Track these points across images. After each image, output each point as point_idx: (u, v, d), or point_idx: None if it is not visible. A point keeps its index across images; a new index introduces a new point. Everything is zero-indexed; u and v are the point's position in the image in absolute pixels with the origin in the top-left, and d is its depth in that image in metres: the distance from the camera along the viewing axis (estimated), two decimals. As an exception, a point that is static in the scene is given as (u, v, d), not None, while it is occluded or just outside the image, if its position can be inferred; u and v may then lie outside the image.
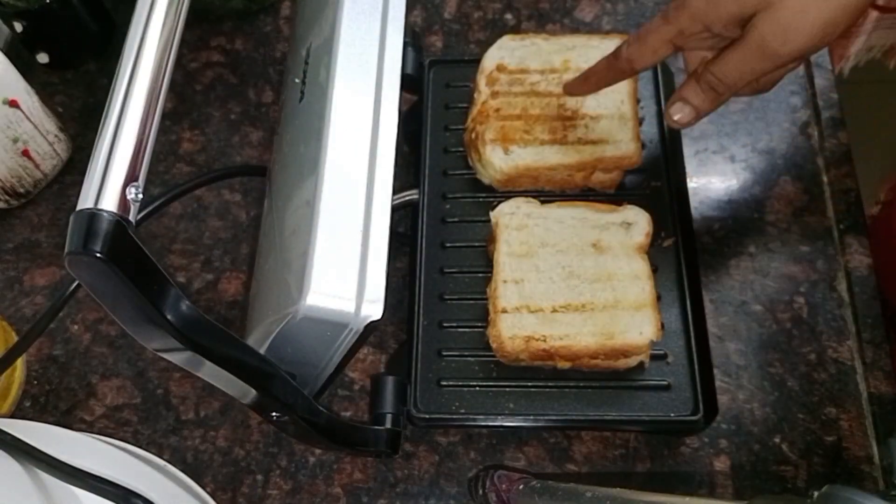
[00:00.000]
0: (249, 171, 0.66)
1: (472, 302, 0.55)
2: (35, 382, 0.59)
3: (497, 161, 0.57)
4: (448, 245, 0.57)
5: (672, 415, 0.50)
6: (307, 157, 0.44)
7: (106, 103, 0.33)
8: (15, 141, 0.61)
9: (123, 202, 0.31)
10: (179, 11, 0.35)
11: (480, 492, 0.50)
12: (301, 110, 0.48)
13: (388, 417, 0.50)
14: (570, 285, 0.53)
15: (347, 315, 0.39)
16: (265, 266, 0.49)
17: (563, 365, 0.51)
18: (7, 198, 0.64)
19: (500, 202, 0.56)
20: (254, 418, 0.57)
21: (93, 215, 0.30)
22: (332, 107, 0.43)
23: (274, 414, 0.42)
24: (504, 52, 0.61)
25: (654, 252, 0.55)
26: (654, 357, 0.51)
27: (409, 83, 0.61)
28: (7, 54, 0.59)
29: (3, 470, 0.38)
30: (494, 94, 0.59)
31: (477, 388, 0.52)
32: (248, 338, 0.46)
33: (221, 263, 0.63)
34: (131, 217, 0.31)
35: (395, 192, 0.43)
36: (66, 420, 0.58)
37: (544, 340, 0.51)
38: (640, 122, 0.59)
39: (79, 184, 0.31)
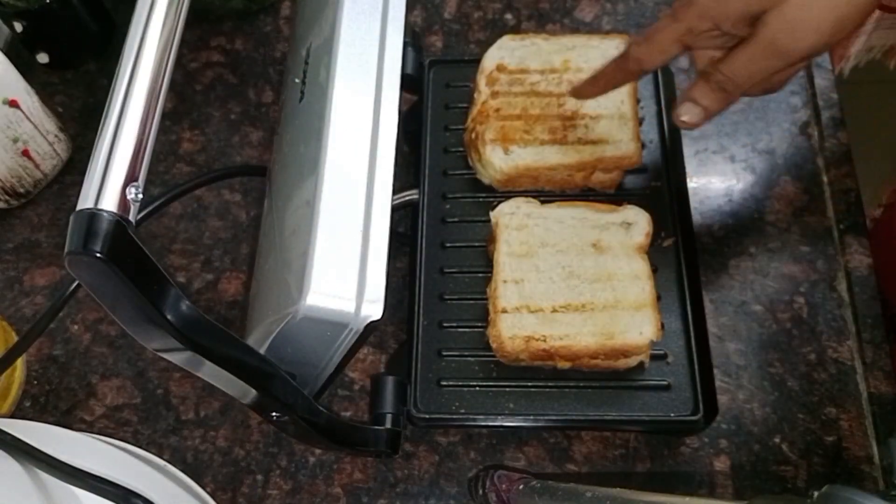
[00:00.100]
0: (249, 171, 0.66)
1: (472, 302, 0.55)
2: (35, 382, 0.59)
3: (497, 161, 0.57)
4: (448, 245, 0.57)
5: (672, 415, 0.50)
6: (307, 157, 0.44)
7: (106, 103, 0.33)
8: (15, 141, 0.61)
9: (123, 202, 0.31)
10: (179, 11, 0.35)
11: (480, 492, 0.50)
12: (301, 110, 0.48)
13: (388, 417, 0.50)
14: (570, 285, 0.53)
15: (347, 315, 0.39)
16: (265, 266, 0.49)
17: (563, 365, 0.51)
18: (7, 198, 0.64)
19: (500, 202, 0.56)
20: (254, 418, 0.57)
21: (93, 215, 0.30)
22: (332, 107, 0.43)
23: (274, 414, 0.42)
24: (504, 52, 0.61)
25: (654, 252, 0.55)
26: (654, 357, 0.51)
27: (409, 83, 0.61)
28: (7, 54, 0.59)
29: (3, 470, 0.38)
30: (494, 94, 0.59)
31: (477, 388, 0.52)
32: (248, 338, 0.46)
33: (221, 263, 0.63)
34: (131, 217, 0.31)
35: (395, 192, 0.43)
36: (66, 420, 0.58)
37: (544, 340, 0.51)
38: (640, 122, 0.59)
39: (79, 184, 0.31)
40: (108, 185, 0.31)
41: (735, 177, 0.62)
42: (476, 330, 0.53)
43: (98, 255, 0.29)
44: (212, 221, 0.65)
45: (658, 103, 0.60)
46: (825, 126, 0.64)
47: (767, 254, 0.59)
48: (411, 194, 0.59)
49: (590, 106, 0.58)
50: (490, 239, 0.56)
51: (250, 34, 0.74)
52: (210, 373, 0.37)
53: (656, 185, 0.58)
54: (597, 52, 0.60)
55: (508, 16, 0.72)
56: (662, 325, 0.51)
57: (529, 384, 0.52)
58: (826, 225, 0.60)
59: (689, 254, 0.55)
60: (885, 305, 0.57)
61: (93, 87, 0.73)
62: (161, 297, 0.33)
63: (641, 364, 0.51)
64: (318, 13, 0.49)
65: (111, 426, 0.57)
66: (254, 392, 0.40)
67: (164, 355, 0.36)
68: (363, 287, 0.40)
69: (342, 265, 0.40)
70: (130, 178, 0.31)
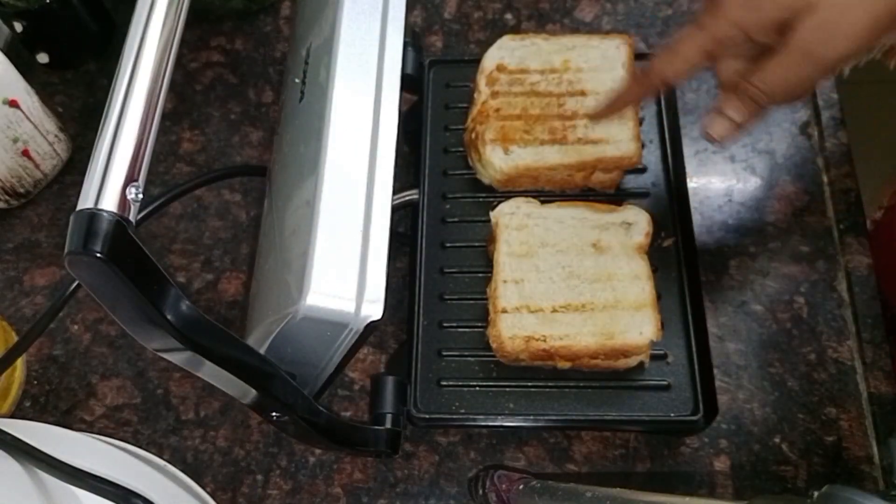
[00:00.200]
0: (249, 171, 0.66)
1: (472, 302, 0.54)
2: (35, 382, 0.59)
3: (497, 161, 0.57)
4: (448, 245, 0.57)
5: (672, 415, 0.50)
6: (307, 157, 0.44)
7: (106, 103, 0.33)
8: (15, 141, 0.61)
9: (123, 202, 0.31)
10: (179, 11, 0.35)
11: (480, 492, 0.50)
12: (301, 110, 0.48)
13: (388, 417, 0.50)
14: (570, 285, 0.53)
15: (347, 315, 0.39)
16: (265, 266, 0.49)
17: (563, 365, 0.51)
18: (7, 198, 0.64)
19: (500, 202, 0.56)
20: (254, 418, 0.57)
21: (93, 215, 0.30)
22: (332, 107, 0.43)
23: (274, 414, 0.42)
24: (504, 52, 0.61)
25: (654, 252, 0.55)
26: (654, 357, 0.51)
27: (409, 83, 0.61)
28: (7, 54, 0.59)
29: (3, 470, 0.38)
30: (494, 94, 0.59)
31: (477, 388, 0.52)
32: (248, 338, 0.46)
33: (221, 263, 0.63)
34: (131, 217, 0.31)
35: (395, 192, 0.43)
36: (66, 420, 0.58)
37: (544, 340, 0.51)
38: (640, 122, 0.59)
39: (79, 184, 0.31)
40: (108, 185, 0.31)
41: (735, 177, 0.62)
42: (476, 330, 0.53)
43: (98, 255, 0.29)
44: (212, 221, 0.65)
45: (658, 103, 0.60)
46: (825, 126, 0.64)
47: (767, 254, 0.59)
48: (411, 194, 0.59)
49: (590, 106, 0.58)
50: (490, 239, 0.56)
51: (250, 34, 0.74)
52: (210, 373, 0.37)
53: (656, 185, 0.58)
54: (597, 52, 0.60)
55: (508, 16, 0.72)
56: (662, 325, 0.51)
57: (529, 384, 0.52)
58: (826, 225, 0.60)
59: (689, 254, 0.55)
60: (886, 307, 0.57)
61: (93, 87, 0.73)
62: (161, 297, 0.33)
63: (641, 364, 0.51)
64: (318, 13, 0.49)
65: (111, 426, 0.57)
66: (254, 392, 0.40)
67: (164, 355, 0.36)
68: (363, 287, 0.40)
69: (342, 265, 0.40)
70: (130, 178, 0.31)
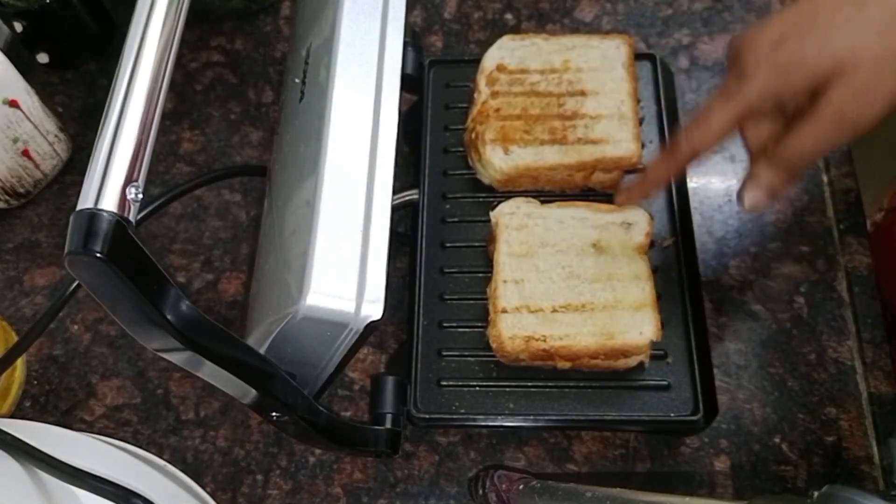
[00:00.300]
0: (249, 171, 0.66)
1: (472, 302, 0.54)
2: (35, 382, 0.59)
3: (497, 161, 0.57)
4: (448, 245, 0.57)
5: (672, 415, 0.50)
6: (307, 157, 0.44)
7: (106, 103, 0.33)
8: (15, 141, 0.61)
9: (123, 202, 0.31)
10: (179, 11, 0.35)
11: (480, 492, 0.50)
12: (301, 110, 0.48)
13: (388, 417, 0.50)
14: (570, 285, 0.53)
15: (347, 315, 0.39)
16: (265, 266, 0.49)
17: (563, 365, 0.51)
18: (7, 198, 0.64)
19: (500, 202, 0.56)
20: (254, 418, 0.57)
21: (93, 215, 0.30)
22: (332, 107, 0.43)
23: (274, 414, 0.42)
24: (504, 52, 0.61)
25: (654, 252, 0.55)
26: (654, 357, 0.51)
27: (409, 83, 0.61)
28: (7, 54, 0.59)
29: (3, 470, 0.38)
30: (494, 94, 0.59)
31: (477, 388, 0.52)
32: (248, 338, 0.46)
33: (221, 263, 0.63)
34: (131, 217, 0.31)
35: (395, 192, 0.43)
36: (66, 420, 0.58)
37: (544, 340, 0.51)
38: (640, 122, 0.59)
39: (79, 184, 0.31)
40: (108, 185, 0.31)
41: (735, 177, 0.62)
42: (476, 330, 0.53)
43: (98, 255, 0.29)
44: (212, 221, 0.65)
45: (658, 103, 0.60)
46: (825, 126, 0.64)
47: (767, 254, 0.59)
48: (411, 194, 0.59)
49: (590, 106, 0.58)
50: (490, 239, 0.56)
51: (250, 34, 0.74)
52: (210, 373, 0.37)
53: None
54: (597, 52, 0.60)
55: (508, 16, 0.72)
56: (662, 325, 0.51)
57: (529, 384, 0.52)
58: (826, 225, 0.60)
59: (689, 254, 0.55)
60: (885, 309, 0.57)
61: (93, 87, 0.73)
62: (161, 297, 0.33)
63: (641, 364, 0.51)
64: (318, 13, 0.49)
65: (111, 426, 0.57)
66: (254, 392, 0.40)
67: (164, 355, 0.36)
68: (363, 287, 0.40)
69: (342, 265, 0.40)
70: (130, 178, 0.31)
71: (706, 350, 0.52)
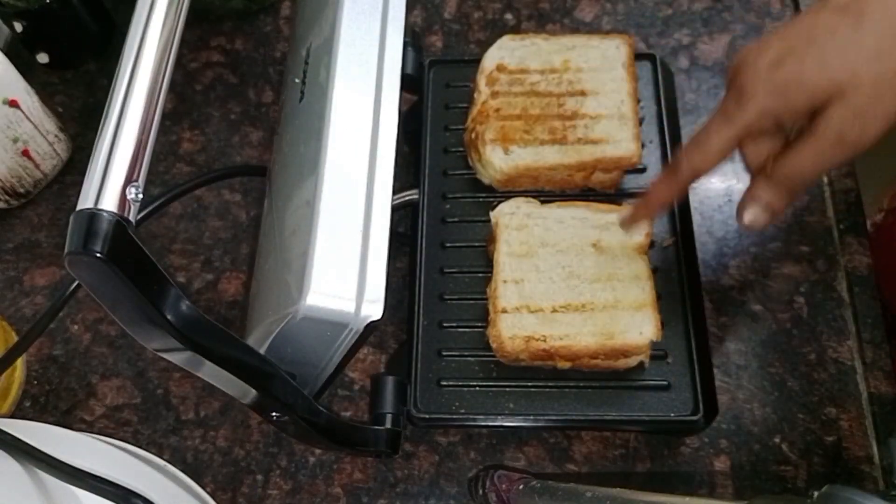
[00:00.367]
0: (249, 171, 0.66)
1: (472, 302, 0.54)
2: (35, 382, 0.59)
3: (497, 161, 0.57)
4: (448, 245, 0.57)
5: (672, 415, 0.50)
6: (307, 157, 0.44)
7: (106, 103, 0.33)
8: (15, 141, 0.61)
9: (123, 202, 0.31)
10: (179, 11, 0.35)
11: (480, 492, 0.50)
12: (301, 110, 0.48)
13: (388, 417, 0.50)
14: (570, 285, 0.53)
15: (347, 315, 0.39)
16: (265, 266, 0.49)
17: (563, 365, 0.51)
18: (7, 198, 0.64)
19: (500, 202, 0.56)
20: (254, 418, 0.57)
21: (93, 215, 0.30)
22: (332, 107, 0.43)
23: (274, 414, 0.42)
24: (504, 52, 0.61)
25: (654, 252, 0.55)
26: (654, 357, 0.51)
27: (409, 83, 0.61)
28: (7, 54, 0.59)
29: (3, 470, 0.38)
30: (494, 94, 0.59)
31: (477, 388, 0.52)
32: (248, 338, 0.46)
33: (221, 263, 0.63)
34: (131, 217, 0.31)
35: (395, 192, 0.43)
36: (66, 420, 0.58)
37: (544, 340, 0.51)
38: (640, 122, 0.59)
39: (79, 184, 0.31)
40: (108, 185, 0.31)
41: (735, 177, 0.62)
42: (476, 330, 0.53)
43: (98, 255, 0.29)
44: (212, 221, 0.65)
45: (658, 103, 0.60)
46: (825, 126, 0.64)
47: (767, 254, 0.59)
48: (411, 194, 0.59)
49: (590, 106, 0.58)
50: (490, 239, 0.56)
51: (250, 34, 0.74)
52: (210, 373, 0.37)
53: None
54: (597, 52, 0.60)
55: (508, 16, 0.72)
56: (662, 325, 0.51)
57: (529, 384, 0.52)
58: (826, 225, 0.60)
59: (688, 254, 0.55)
60: (885, 310, 0.57)
61: (93, 87, 0.73)
62: (161, 297, 0.33)
63: (641, 364, 0.51)
64: (318, 13, 0.49)
65: (111, 426, 0.57)
66: (254, 392, 0.40)
67: (164, 355, 0.36)
68: (363, 287, 0.40)
69: (342, 265, 0.40)
70: (130, 178, 0.31)
71: (706, 350, 0.52)
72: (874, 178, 0.70)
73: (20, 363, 0.59)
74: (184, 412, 0.57)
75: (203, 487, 0.49)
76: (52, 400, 0.58)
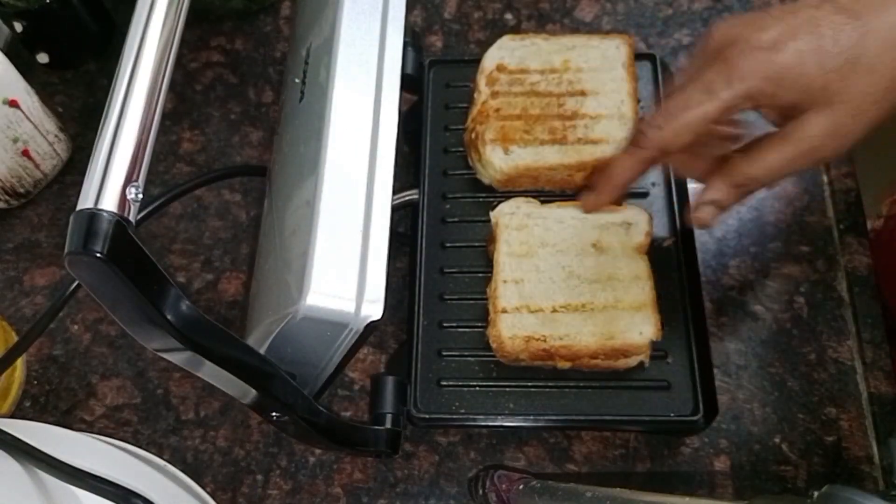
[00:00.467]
0: (249, 171, 0.66)
1: (472, 302, 0.54)
2: (35, 382, 0.59)
3: (497, 161, 0.57)
4: (448, 245, 0.57)
5: (672, 415, 0.50)
6: (307, 157, 0.44)
7: (106, 103, 0.33)
8: (15, 141, 0.61)
9: (123, 202, 0.31)
10: (179, 11, 0.35)
11: (480, 492, 0.50)
12: (301, 110, 0.48)
13: (388, 417, 0.50)
14: (570, 285, 0.53)
15: (347, 315, 0.39)
16: (265, 266, 0.49)
17: (563, 365, 0.51)
18: (7, 198, 0.64)
19: (500, 202, 0.56)
20: (254, 418, 0.57)
21: (93, 215, 0.30)
22: (332, 107, 0.43)
23: (274, 414, 0.42)
24: (504, 52, 0.61)
25: (654, 252, 0.55)
26: (654, 357, 0.51)
27: (409, 83, 0.61)
28: (7, 54, 0.59)
29: (3, 470, 0.38)
30: (494, 94, 0.59)
31: (477, 388, 0.52)
32: (248, 338, 0.46)
33: (221, 263, 0.63)
34: (131, 217, 0.31)
35: (395, 192, 0.43)
36: (66, 420, 0.58)
37: (544, 340, 0.51)
38: (640, 121, 0.59)
39: (79, 184, 0.31)
40: (108, 185, 0.31)
41: (735, 177, 0.62)
42: (476, 330, 0.53)
43: (98, 255, 0.29)
44: (212, 221, 0.65)
45: (658, 103, 0.60)
46: (825, 126, 0.64)
47: (767, 254, 0.59)
48: (411, 194, 0.59)
49: (590, 106, 0.58)
50: (490, 239, 0.56)
51: (250, 34, 0.74)
52: (210, 373, 0.37)
53: (656, 185, 0.58)
54: (597, 52, 0.60)
55: (508, 16, 0.72)
56: (662, 325, 0.51)
57: (529, 384, 0.52)
58: (826, 225, 0.60)
59: (689, 254, 0.55)
60: (885, 312, 0.57)
61: (93, 87, 0.73)
62: (161, 297, 0.33)
63: (641, 364, 0.51)
64: (318, 13, 0.49)
65: (111, 426, 0.57)
66: (254, 392, 0.40)
67: (164, 355, 0.36)
68: (363, 287, 0.40)
69: (342, 265, 0.40)
70: (130, 178, 0.31)
71: (706, 350, 0.52)
72: (874, 177, 0.70)
73: (20, 363, 0.59)
74: (184, 412, 0.57)
75: (203, 487, 0.49)
76: (52, 400, 0.58)
